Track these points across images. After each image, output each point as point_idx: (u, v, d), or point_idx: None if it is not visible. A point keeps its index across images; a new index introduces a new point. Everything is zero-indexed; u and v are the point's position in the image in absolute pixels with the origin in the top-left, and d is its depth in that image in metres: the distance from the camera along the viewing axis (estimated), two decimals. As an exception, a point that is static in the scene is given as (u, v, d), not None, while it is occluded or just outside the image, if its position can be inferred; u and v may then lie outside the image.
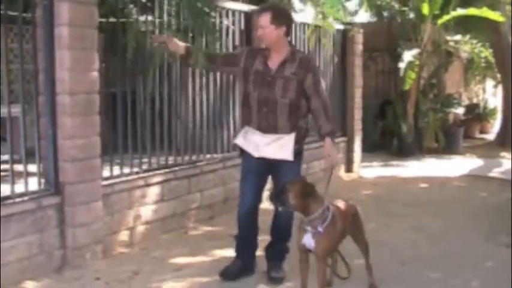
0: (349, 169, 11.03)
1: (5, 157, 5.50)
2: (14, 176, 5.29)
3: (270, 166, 5.25)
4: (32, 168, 5.55)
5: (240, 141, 5.39)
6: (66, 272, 5.48)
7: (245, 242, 5.45)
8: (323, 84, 5.32)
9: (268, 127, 5.17)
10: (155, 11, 6.64)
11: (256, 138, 5.23)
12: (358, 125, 11.22)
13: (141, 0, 7.18)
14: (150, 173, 6.61)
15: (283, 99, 5.12)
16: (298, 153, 5.23)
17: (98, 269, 5.58)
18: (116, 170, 6.24)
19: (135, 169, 6.47)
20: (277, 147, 5.16)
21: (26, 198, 5.31)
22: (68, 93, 5.44)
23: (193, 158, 7.36)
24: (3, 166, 5.53)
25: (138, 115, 6.59)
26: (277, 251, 5.47)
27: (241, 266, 5.41)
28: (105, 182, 5.95)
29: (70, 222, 5.54)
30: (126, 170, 6.36)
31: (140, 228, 6.44)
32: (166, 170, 6.85)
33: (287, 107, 5.12)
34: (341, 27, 10.72)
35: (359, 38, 11.19)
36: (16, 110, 5.61)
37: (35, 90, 5.54)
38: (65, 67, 5.43)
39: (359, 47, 11.22)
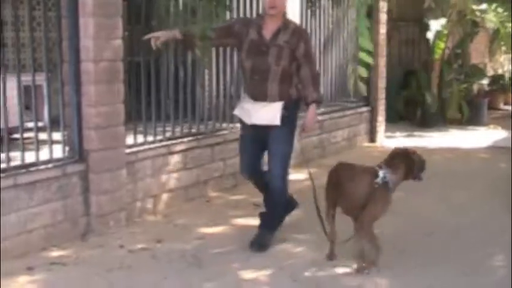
0: (372, 139, 10.97)
1: (30, 125, 5.53)
2: (39, 144, 5.32)
3: (263, 133, 5.34)
4: (57, 136, 5.57)
5: (237, 110, 5.57)
6: (90, 239, 5.53)
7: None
8: (313, 55, 5.49)
9: (259, 94, 5.30)
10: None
11: (249, 106, 5.38)
12: (381, 95, 11.14)
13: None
14: (174, 141, 6.62)
15: (276, 66, 5.23)
16: (288, 119, 5.29)
17: (122, 237, 5.62)
18: (140, 138, 6.25)
19: (159, 137, 6.48)
20: (265, 113, 5.28)
21: (50, 165, 5.35)
22: (92, 60, 5.44)
23: (217, 126, 7.36)
24: (28, 134, 5.55)
25: (161, 83, 6.59)
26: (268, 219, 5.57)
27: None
28: (128, 150, 5.97)
29: (94, 189, 5.57)
30: (150, 138, 6.37)
31: (163, 196, 6.47)
32: (190, 138, 6.85)
33: (279, 74, 5.24)
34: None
35: (384, 6, 11.08)
36: (40, 78, 5.62)
37: (59, 58, 5.54)
38: (89, 35, 5.43)
39: (384, 16, 11.10)
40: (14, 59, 5.84)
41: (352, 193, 4.84)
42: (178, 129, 6.79)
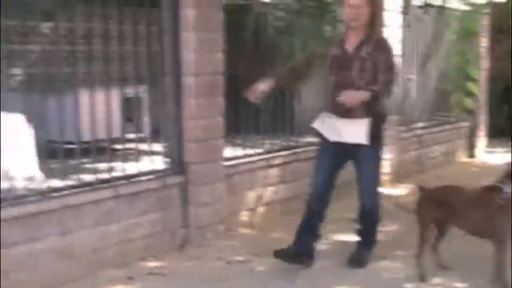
0: (470, 154, 10.72)
1: (131, 136, 5.64)
2: (139, 155, 5.41)
3: (346, 151, 5.18)
4: (157, 147, 5.66)
5: (317, 124, 5.33)
6: (188, 251, 5.58)
7: (307, 226, 5.32)
8: (394, 65, 5.19)
9: (344, 111, 5.03)
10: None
11: (332, 122, 5.17)
12: (482, 109, 10.87)
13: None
14: (272, 155, 6.63)
15: (360, 80, 5.02)
16: (375, 137, 5.11)
17: (219, 249, 5.65)
18: (238, 151, 6.28)
19: (257, 150, 6.49)
20: (352, 131, 5.08)
21: (151, 176, 5.43)
22: (193, 74, 5.51)
23: (314, 140, 7.30)
24: (130, 145, 5.66)
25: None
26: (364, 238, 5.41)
27: (297, 251, 5.23)
28: (227, 163, 6.00)
29: (193, 201, 5.62)
30: (249, 151, 6.39)
31: (260, 209, 6.48)
32: (288, 152, 6.84)
33: (363, 89, 4.98)
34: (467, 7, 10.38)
35: (485, 19, 10.82)
36: (141, 90, 5.73)
37: (161, 71, 5.63)
38: (191, 48, 5.51)
39: (485, 28, 10.85)
40: (116, 72, 5.95)
41: (476, 213, 4.72)
42: (276, 142, 6.79)
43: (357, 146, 5.09)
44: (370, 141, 5.06)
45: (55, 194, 4.81)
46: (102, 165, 5.25)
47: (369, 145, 5.07)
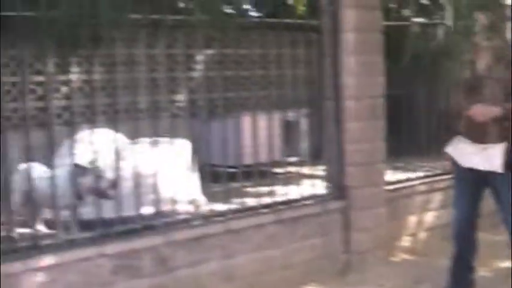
0: None
1: (291, 160, 5.66)
2: (299, 179, 5.42)
3: (482, 178, 4.83)
4: (316, 171, 5.65)
5: (450, 149, 5.01)
6: (349, 276, 5.51)
7: (459, 261, 5.04)
8: None
9: (477, 136, 4.74)
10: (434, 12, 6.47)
11: (465, 147, 4.85)
12: None
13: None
14: (433, 179, 6.46)
15: (491, 102, 4.66)
16: (511, 164, 4.72)
17: (380, 275, 5.54)
18: (399, 175, 6.17)
19: (418, 174, 6.35)
20: (485, 157, 4.74)
21: (312, 201, 5.43)
22: (353, 98, 5.47)
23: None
24: (290, 169, 5.68)
25: (419, 117, 6.47)
26: None
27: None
28: (388, 187, 5.90)
29: (354, 226, 5.56)
30: (409, 175, 6.27)
31: (422, 235, 6.32)
32: (449, 176, 6.63)
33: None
34: None
35: None
36: (300, 114, 5.75)
37: (321, 95, 5.63)
38: (351, 72, 5.48)
39: None
40: (277, 96, 6.01)
41: None
42: (438, 165, 6.61)
43: (492, 174, 4.76)
44: (506, 168, 4.71)
45: (218, 218, 4.90)
46: (264, 190, 5.29)
47: (506, 173, 4.72)
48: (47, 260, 4.10)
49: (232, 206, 5.07)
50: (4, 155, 4.01)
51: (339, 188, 5.57)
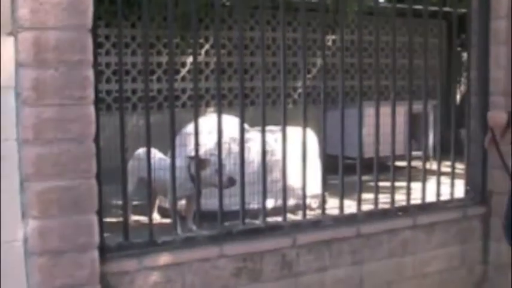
0: None
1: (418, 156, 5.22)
2: (426, 175, 4.92)
3: None
4: (446, 169, 5.13)
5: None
6: (486, 290, 5.02)
7: None
8: None
9: None
10: None
11: None
12: None
13: None
14: None
15: None
16: None
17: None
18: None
19: None
20: None
21: (451, 205, 4.96)
22: (501, 93, 4.91)
23: None
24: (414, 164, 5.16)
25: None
26: None
27: None
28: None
29: (495, 235, 5.02)
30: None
31: None
32: None
33: None
34: None
35: None
36: (429, 106, 5.24)
37: (466, 89, 5.12)
38: (500, 65, 4.91)
39: None
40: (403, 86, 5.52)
41: None
42: None
43: None
44: None
45: (349, 221, 4.49)
46: (386, 185, 4.79)
47: None
48: (164, 258, 3.80)
49: (364, 208, 4.63)
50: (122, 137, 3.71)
51: (480, 193, 5.05)
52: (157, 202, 6.61)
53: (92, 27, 3.27)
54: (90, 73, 3.25)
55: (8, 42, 3.08)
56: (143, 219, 4.99)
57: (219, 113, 4.04)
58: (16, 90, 3.11)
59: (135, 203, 6.40)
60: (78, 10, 3.18)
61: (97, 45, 3.45)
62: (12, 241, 3.15)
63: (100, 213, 3.41)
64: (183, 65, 11.34)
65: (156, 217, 6.49)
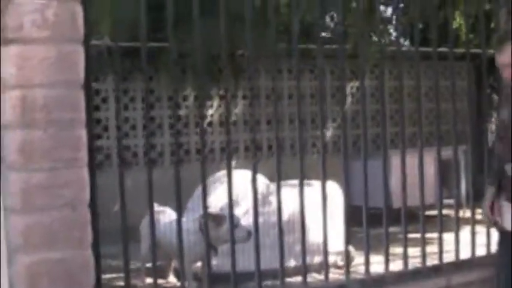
0: None
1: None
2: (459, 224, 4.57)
3: None
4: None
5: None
6: None
7: None
8: None
9: None
10: None
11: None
12: None
13: None
14: None
15: None
16: None
17: None
18: None
19: None
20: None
21: (486, 262, 4.57)
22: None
23: None
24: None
25: None
26: None
27: None
28: None
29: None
30: None
31: None
32: None
33: None
34: None
35: None
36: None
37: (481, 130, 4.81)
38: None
39: None
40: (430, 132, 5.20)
41: None
42: None
43: None
44: None
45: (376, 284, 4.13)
46: (416, 236, 4.44)
47: None
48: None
49: (393, 266, 4.25)
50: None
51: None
52: (172, 264, 6.30)
53: (85, 82, 3.00)
54: (83, 133, 2.98)
55: (-9, 103, 2.83)
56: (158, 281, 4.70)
57: (229, 170, 3.75)
58: (1, 154, 2.85)
59: (148, 264, 6.12)
60: (67, 65, 2.92)
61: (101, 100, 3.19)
62: (-1, 321, 2.85)
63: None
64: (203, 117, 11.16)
65: (172, 280, 6.19)
